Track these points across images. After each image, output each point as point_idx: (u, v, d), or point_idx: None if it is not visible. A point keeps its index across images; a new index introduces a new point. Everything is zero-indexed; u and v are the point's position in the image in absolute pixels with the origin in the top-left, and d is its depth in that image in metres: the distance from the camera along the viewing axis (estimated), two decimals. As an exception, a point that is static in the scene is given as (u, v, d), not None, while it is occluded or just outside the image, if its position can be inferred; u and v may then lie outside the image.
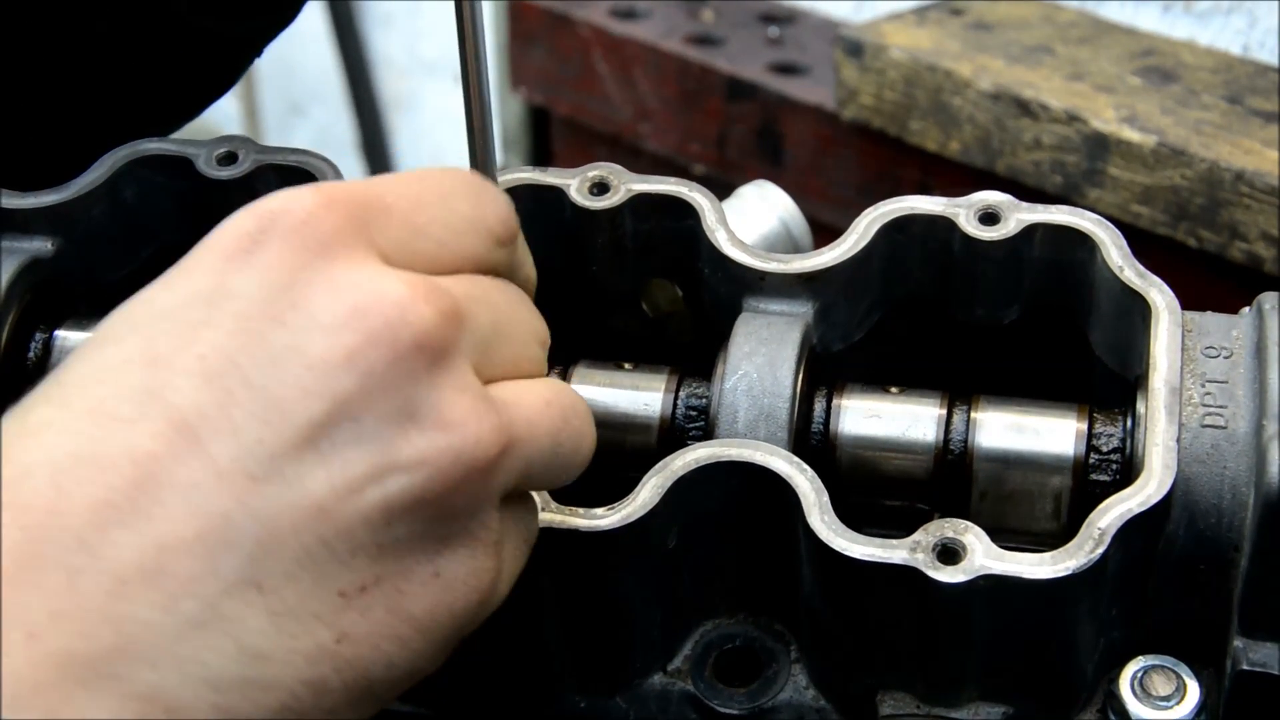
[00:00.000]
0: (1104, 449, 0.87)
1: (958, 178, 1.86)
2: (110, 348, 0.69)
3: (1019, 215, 0.91)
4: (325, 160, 0.97)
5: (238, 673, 0.65)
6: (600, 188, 0.96)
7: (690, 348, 0.99)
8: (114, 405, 0.66)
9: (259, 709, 0.65)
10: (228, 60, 1.14)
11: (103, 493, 0.64)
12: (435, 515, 0.69)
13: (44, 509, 0.64)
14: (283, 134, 4.10)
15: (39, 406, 0.68)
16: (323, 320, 0.68)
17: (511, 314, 0.77)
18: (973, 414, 0.89)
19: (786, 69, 2.11)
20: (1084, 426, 0.87)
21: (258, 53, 1.14)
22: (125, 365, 0.68)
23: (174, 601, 0.64)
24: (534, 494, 0.79)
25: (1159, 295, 0.87)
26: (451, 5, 0.80)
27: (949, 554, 0.79)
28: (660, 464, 0.84)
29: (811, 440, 0.90)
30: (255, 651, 0.65)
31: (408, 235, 0.73)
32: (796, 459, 0.84)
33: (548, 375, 0.81)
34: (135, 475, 0.65)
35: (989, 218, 0.91)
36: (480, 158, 0.84)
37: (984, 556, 0.79)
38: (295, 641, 0.66)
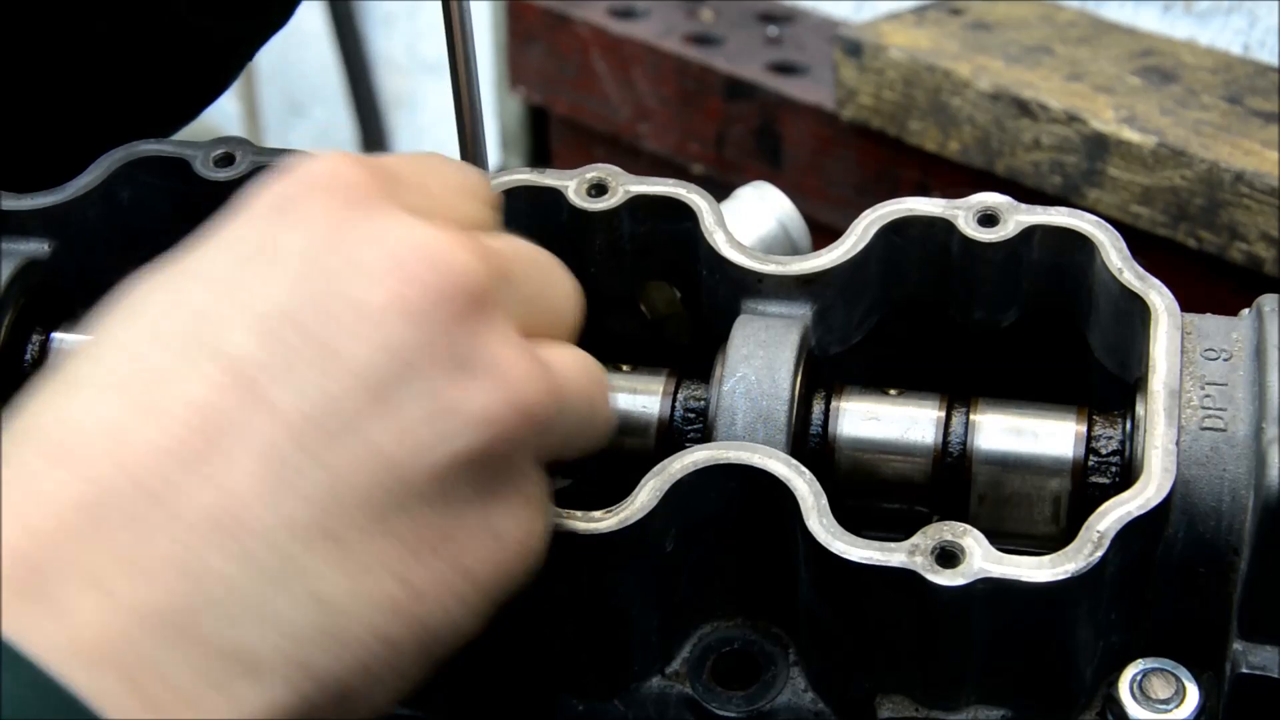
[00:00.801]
0: (1103, 451, 0.87)
1: (957, 178, 1.86)
2: (151, 307, 0.68)
3: (1018, 217, 0.91)
4: (322, 161, 0.97)
5: (314, 626, 0.63)
6: (598, 189, 0.96)
7: (688, 350, 0.98)
8: (167, 358, 0.65)
9: (336, 665, 0.63)
10: (224, 62, 1.14)
11: (166, 442, 0.62)
12: (493, 468, 0.68)
13: (106, 461, 0.62)
14: (283, 134, 4.10)
15: (81, 366, 0.66)
16: (371, 270, 0.67)
17: (550, 275, 0.77)
18: (971, 416, 0.89)
19: (785, 69, 2.11)
20: (1083, 429, 0.87)
21: (251, 55, 1.14)
22: (172, 321, 0.66)
23: (247, 552, 0.62)
24: None
25: (1158, 297, 0.86)
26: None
27: (948, 557, 0.79)
28: (658, 466, 0.84)
29: (810, 443, 0.89)
30: (330, 604, 0.63)
31: (422, 199, 0.73)
32: (795, 462, 0.83)
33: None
34: (199, 424, 0.63)
35: (988, 219, 0.91)
36: (470, 152, 0.84)
37: (983, 560, 0.78)
38: (369, 595, 0.64)
